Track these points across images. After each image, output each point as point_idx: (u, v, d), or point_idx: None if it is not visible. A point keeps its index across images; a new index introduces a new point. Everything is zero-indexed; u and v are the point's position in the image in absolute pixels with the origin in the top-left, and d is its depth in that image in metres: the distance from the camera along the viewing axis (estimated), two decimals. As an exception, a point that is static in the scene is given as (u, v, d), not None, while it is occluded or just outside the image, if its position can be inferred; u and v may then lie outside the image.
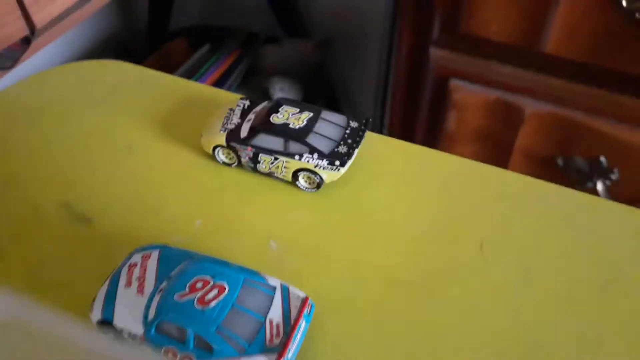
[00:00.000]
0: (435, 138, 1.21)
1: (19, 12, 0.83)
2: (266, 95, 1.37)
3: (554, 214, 0.53)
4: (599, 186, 1.08)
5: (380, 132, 1.53)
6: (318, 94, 1.56)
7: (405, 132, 1.30)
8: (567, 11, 0.91)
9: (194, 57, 1.45)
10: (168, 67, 1.37)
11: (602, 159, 1.06)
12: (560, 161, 1.12)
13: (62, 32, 1.00)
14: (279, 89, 1.39)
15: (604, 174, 1.06)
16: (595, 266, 0.49)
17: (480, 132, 1.16)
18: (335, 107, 1.60)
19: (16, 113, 0.65)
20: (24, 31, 0.84)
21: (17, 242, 0.51)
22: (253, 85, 1.42)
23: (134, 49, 1.58)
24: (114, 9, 1.62)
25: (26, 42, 0.92)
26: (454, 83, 1.11)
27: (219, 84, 1.37)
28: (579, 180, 1.10)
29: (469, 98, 1.11)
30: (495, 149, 1.17)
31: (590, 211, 0.53)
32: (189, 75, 1.36)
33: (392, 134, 1.32)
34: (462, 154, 1.19)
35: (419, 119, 1.24)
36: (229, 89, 1.35)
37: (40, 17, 0.86)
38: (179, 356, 0.39)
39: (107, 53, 1.53)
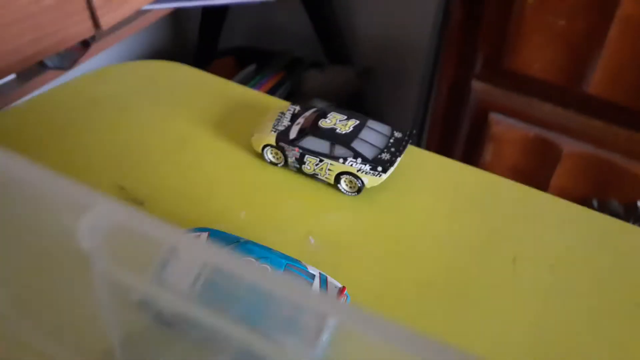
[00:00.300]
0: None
1: (87, 13, 0.89)
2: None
3: (586, 236, 0.54)
4: (634, 232, 1.07)
5: (414, 132, 1.54)
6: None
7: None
8: (613, 55, 0.92)
9: (239, 75, 1.50)
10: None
11: (640, 204, 1.05)
12: (595, 203, 1.11)
13: (120, 38, 1.05)
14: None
15: (640, 219, 1.06)
16: (625, 290, 0.49)
17: (516, 167, 1.17)
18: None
19: (81, 102, 0.69)
20: (90, 32, 0.89)
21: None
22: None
23: (183, 62, 1.64)
24: (167, 23, 1.69)
25: (85, 45, 0.97)
26: (494, 117, 1.12)
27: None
28: (614, 223, 1.09)
29: (508, 132, 1.12)
30: (530, 185, 1.18)
31: (623, 236, 0.54)
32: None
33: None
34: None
35: (456, 149, 1.26)
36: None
37: (105, 21, 0.92)
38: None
39: (158, 64, 1.59)
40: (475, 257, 0.52)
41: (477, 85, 1.12)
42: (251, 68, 1.52)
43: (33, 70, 0.96)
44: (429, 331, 0.45)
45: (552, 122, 1.06)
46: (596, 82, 0.97)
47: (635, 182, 1.04)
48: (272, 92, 1.46)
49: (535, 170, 1.14)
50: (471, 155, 1.20)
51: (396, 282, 0.49)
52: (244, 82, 1.47)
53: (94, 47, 0.98)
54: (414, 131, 0.56)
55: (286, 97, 1.47)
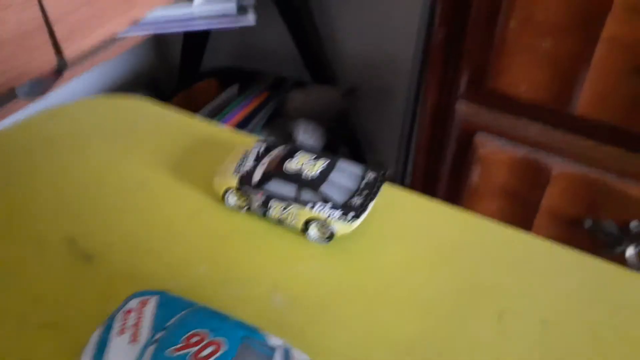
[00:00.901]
0: (459, 192, 1.18)
1: (49, 46, 0.84)
2: (289, 138, 1.37)
3: (581, 286, 0.49)
4: (629, 251, 1.03)
5: (403, 181, 1.50)
6: (341, 141, 1.56)
7: (428, 183, 1.28)
8: (598, 74, 0.89)
9: (222, 95, 1.46)
10: (197, 104, 1.39)
11: (634, 223, 1.01)
12: (588, 223, 1.08)
13: (93, 65, 1.01)
14: (303, 133, 1.38)
15: (635, 239, 1.02)
16: (624, 346, 0.45)
17: (505, 189, 1.13)
18: (358, 155, 1.58)
19: (34, 143, 0.64)
20: (53, 63, 0.85)
21: (15, 277, 0.49)
22: (278, 127, 1.42)
23: (164, 85, 1.61)
24: (148, 45, 1.65)
25: (58, 72, 0.93)
26: (480, 138, 1.08)
27: (244, 123, 1.38)
28: (608, 243, 1.05)
29: (495, 154, 1.09)
30: (520, 207, 1.14)
31: (620, 285, 0.50)
32: (215, 113, 1.37)
33: (414, 184, 1.30)
34: (485, 210, 1.16)
35: (442, 171, 1.22)
36: (253, 129, 1.35)
37: (70, 51, 0.88)
38: (165, 416, 0.36)
39: (138, 87, 1.56)
40: (458, 313, 0.47)
41: (461, 106, 1.08)
42: (234, 89, 1.49)
43: (3, 98, 0.92)
44: (406, 403, 0.40)
45: (541, 142, 1.03)
46: (584, 102, 0.93)
47: (629, 201, 1.00)
48: (255, 112, 1.42)
49: (524, 191, 1.10)
50: (458, 177, 1.16)
51: (371, 347, 0.45)
52: (227, 103, 1.44)
53: (67, 73, 0.94)
54: (387, 171, 0.52)
55: (270, 118, 1.43)
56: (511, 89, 0.99)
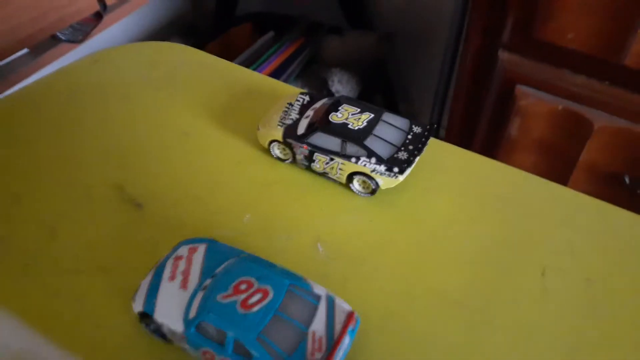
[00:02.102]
0: (495, 144, 1.16)
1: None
2: (324, 86, 1.36)
3: (627, 245, 0.49)
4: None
5: (437, 132, 1.48)
6: (376, 89, 1.53)
7: (463, 134, 1.26)
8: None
9: (258, 43, 1.45)
10: (232, 50, 1.37)
11: (674, 181, 0.99)
12: (627, 179, 1.05)
13: (131, 10, 1.01)
14: (338, 81, 1.37)
15: (676, 197, 0.99)
16: (669, 307, 0.45)
17: (543, 142, 1.11)
18: (392, 103, 1.56)
19: (76, 91, 0.65)
20: (94, 8, 0.85)
21: (68, 222, 0.51)
22: (312, 75, 1.40)
23: (199, 31, 1.59)
24: (183, -10, 1.63)
25: (98, 16, 0.93)
26: (521, 89, 1.06)
27: (279, 71, 1.36)
28: (647, 200, 1.03)
29: (536, 106, 1.06)
30: (558, 161, 1.12)
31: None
32: (252, 60, 1.35)
33: (449, 135, 1.28)
34: (520, 164, 1.14)
35: (480, 122, 1.20)
36: (288, 77, 1.34)
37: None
38: (216, 359, 0.38)
39: (174, 33, 1.54)
40: (501, 268, 0.47)
41: (504, 56, 1.05)
42: (269, 35, 1.47)
43: (45, 44, 0.93)
44: (449, 355, 0.41)
45: (585, 95, 1.00)
46: (636, 52, 0.89)
47: (672, 158, 0.97)
48: (290, 59, 1.40)
49: (563, 146, 1.08)
50: (496, 129, 1.14)
51: (412, 297, 0.45)
52: (262, 50, 1.42)
53: (107, 18, 0.93)
54: (435, 125, 0.51)
55: (306, 65, 1.41)
56: (558, 37, 0.95)
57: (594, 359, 0.42)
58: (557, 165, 1.10)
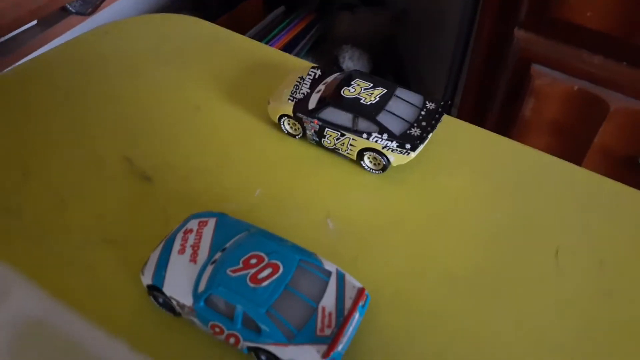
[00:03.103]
0: (508, 124, 1.15)
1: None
2: (335, 63, 1.34)
3: (641, 227, 0.48)
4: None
5: (449, 112, 1.47)
6: (387, 67, 1.51)
7: (476, 114, 1.24)
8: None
9: (268, 18, 1.43)
10: (241, 25, 1.35)
11: (690, 165, 0.97)
12: (642, 162, 1.04)
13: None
14: (349, 58, 1.35)
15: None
16: (684, 290, 0.44)
17: (557, 124, 1.09)
18: (404, 83, 1.54)
19: (86, 63, 0.64)
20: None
21: (78, 194, 0.50)
22: (323, 51, 1.39)
23: (209, 5, 1.57)
24: (192, -37, 1.60)
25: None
26: (537, 69, 1.04)
27: (289, 46, 1.34)
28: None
29: (551, 86, 1.04)
30: (571, 143, 1.10)
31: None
32: (262, 36, 1.34)
33: (462, 113, 1.26)
34: (534, 145, 1.13)
35: (493, 102, 1.18)
36: (299, 53, 1.33)
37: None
38: (225, 333, 0.38)
39: (183, 7, 1.53)
40: (513, 248, 0.47)
41: (519, 35, 1.03)
42: (279, 10, 1.45)
43: (55, 16, 0.93)
44: (458, 333, 0.41)
45: (601, 76, 0.98)
46: (655, 33, 0.87)
47: (687, 141, 0.96)
48: (301, 35, 1.39)
49: (578, 127, 1.06)
50: (509, 110, 1.13)
51: (423, 276, 0.45)
52: (272, 26, 1.40)
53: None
54: (450, 101, 0.50)
55: (316, 41, 1.39)
56: (575, 16, 0.93)
57: (606, 342, 0.41)
58: (570, 148, 1.09)
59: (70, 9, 0.94)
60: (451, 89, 1.43)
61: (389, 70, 1.53)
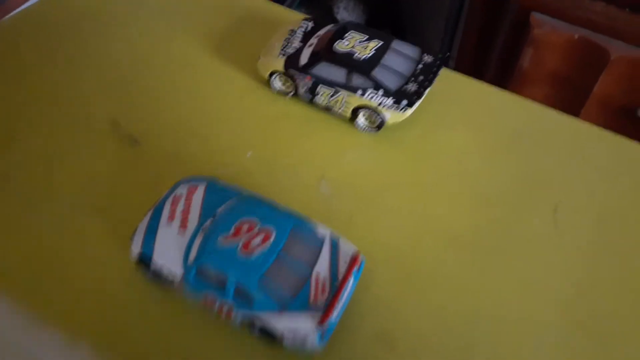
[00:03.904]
0: (507, 75, 1.12)
1: None
2: (329, 13, 1.30)
3: (642, 182, 0.47)
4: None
5: (447, 56, 1.43)
6: (384, 18, 1.47)
7: (474, 66, 1.21)
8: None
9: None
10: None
11: (689, 115, 0.96)
12: (639, 112, 1.02)
13: None
14: (343, 8, 1.31)
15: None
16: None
17: (555, 74, 1.07)
18: (400, 34, 1.50)
19: (70, 19, 0.61)
20: None
21: (64, 160, 0.49)
22: (317, 2, 1.34)
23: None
24: None
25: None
26: (536, 17, 1.00)
27: (282, -2, 1.30)
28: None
29: (551, 35, 1.01)
30: (570, 93, 1.08)
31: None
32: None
33: (459, 66, 1.23)
34: (533, 96, 1.10)
35: (491, 53, 1.15)
36: (291, 4, 1.28)
37: None
38: (217, 303, 0.37)
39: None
40: (512, 205, 0.45)
41: (519, -19, 0.99)
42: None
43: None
44: (458, 295, 0.40)
45: (602, 24, 0.95)
46: (660, -24, 0.84)
47: (688, 90, 0.94)
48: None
49: (577, 77, 1.04)
50: (508, 61, 1.10)
51: (420, 236, 0.44)
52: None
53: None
54: (447, 54, 0.48)
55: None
56: (577, -39, 0.89)
57: (606, 296, 0.41)
58: (569, 98, 1.07)
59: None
60: (448, 41, 1.39)
61: (385, 21, 1.48)
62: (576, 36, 0.99)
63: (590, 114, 1.07)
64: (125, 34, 0.59)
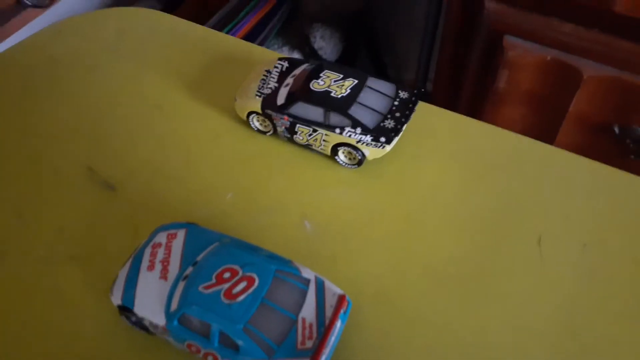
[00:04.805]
0: (483, 96, 1.13)
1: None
2: (307, 42, 1.31)
3: (623, 206, 0.47)
4: (658, 158, 1.00)
5: (424, 86, 1.44)
6: (360, 44, 1.49)
7: (451, 88, 1.23)
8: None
9: (232, 1, 1.39)
10: (208, 7, 1.31)
11: (664, 130, 0.97)
12: (616, 129, 1.04)
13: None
14: (320, 37, 1.32)
15: (665, 146, 0.98)
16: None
17: (532, 94, 1.09)
18: (377, 57, 1.52)
19: (40, 64, 0.61)
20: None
21: (36, 207, 0.48)
22: (293, 31, 1.36)
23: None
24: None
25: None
26: (509, 40, 1.02)
27: (258, 29, 1.31)
28: (636, 150, 1.02)
29: (524, 57, 1.03)
30: (547, 113, 1.10)
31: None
32: (227, 21, 1.30)
33: (437, 89, 1.25)
34: (509, 117, 1.12)
35: (467, 75, 1.16)
36: (268, 35, 1.29)
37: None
38: (202, 352, 0.36)
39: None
40: (495, 237, 0.46)
41: (490, 5, 1.01)
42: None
43: (11, 10, 0.89)
44: (445, 330, 0.40)
45: (573, 44, 0.97)
46: (625, -2, 0.86)
47: (662, 106, 0.95)
48: (269, 16, 1.35)
49: (552, 97, 1.06)
50: (483, 83, 1.11)
51: (404, 272, 0.44)
52: (240, 6, 1.36)
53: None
54: (423, 90, 0.48)
55: (286, 21, 1.36)
56: (545, -15, 0.91)
57: (591, 325, 0.41)
58: (546, 117, 1.08)
59: (27, 1, 0.90)
60: (425, 62, 1.41)
61: (361, 46, 1.50)
62: (548, 57, 1.01)
63: (569, 133, 1.09)
64: (95, 79, 0.59)
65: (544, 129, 1.12)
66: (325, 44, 1.32)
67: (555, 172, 0.50)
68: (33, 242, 0.45)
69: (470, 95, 1.18)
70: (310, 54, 1.28)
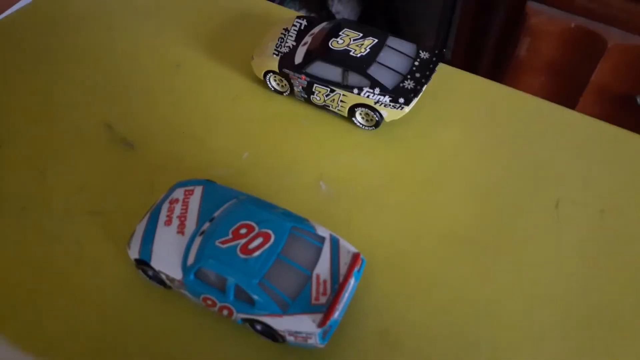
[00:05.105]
0: (503, 64, 1.11)
1: None
2: (324, 6, 1.29)
3: (643, 174, 0.47)
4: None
5: (443, 52, 1.42)
6: (378, 9, 1.46)
7: (470, 54, 1.21)
8: None
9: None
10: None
11: (688, 101, 0.95)
12: (638, 100, 1.02)
13: None
14: (338, 1, 1.30)
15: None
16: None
17: (553, 63, 1.06)
18: (395, 24, 1.49)
19: (58, 21, 0.61)
20: None
21: (57, 163, 0.48)
22: (311, -5, 1.33)
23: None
24: None
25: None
26: (532, 6, 1.00)
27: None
28: (658, 121, 1.00)
29: (547, 24, 1.00)
30: (567, 82, 1.07)
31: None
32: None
33: (455, 56, 1.23)
34: (528, 86, 1.10)
35: (487, 42, 1.14)
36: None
37: None
38: (217, 305, 0.37)
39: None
40: (512, 201, 0.45)
41: (514, -30, 0.98)
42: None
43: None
44: (458, 293, 0.40)
45: (599, 12, 0.94)
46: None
47: (687, 77, 0.93)
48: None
49: (574, 66, 1.03)
50: (504, 50, 1.09)
51: (420, 235, 0.43)
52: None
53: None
54: (443, 49, 0.47)
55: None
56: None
57: (607, 291, 0.40)
58: (566, 87, 1.06)
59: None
60: (444, 30, 1.39)
61: (379, 13, 1.47)
62: (572, 25, 0.98)
63: (589, 103, 1.07)
64: (115, 37, 0.59)
65: (563, 98, 1.09)
66: (342, 7, 1.30)
67: (576, 137, 0.49)
68: (55, 199, 0.46)
69: (490, 64, 1.16)
70: (328, 17, 1.27)
